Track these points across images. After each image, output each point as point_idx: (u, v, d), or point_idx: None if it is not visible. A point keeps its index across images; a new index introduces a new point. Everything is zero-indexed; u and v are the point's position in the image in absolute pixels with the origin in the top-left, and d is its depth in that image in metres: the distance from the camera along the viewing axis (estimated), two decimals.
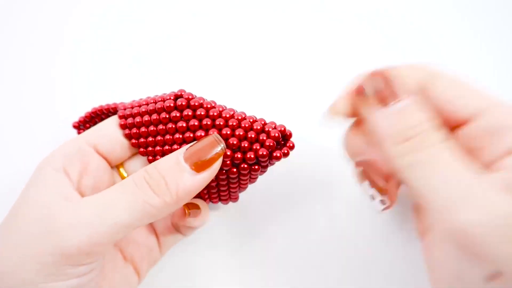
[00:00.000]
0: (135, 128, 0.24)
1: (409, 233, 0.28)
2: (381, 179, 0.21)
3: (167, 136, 0.24)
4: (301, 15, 0.38)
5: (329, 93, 0.33)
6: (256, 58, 0.35)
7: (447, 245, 0.18)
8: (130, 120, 0.25)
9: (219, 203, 0.28)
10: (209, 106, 0.23)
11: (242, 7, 0.37)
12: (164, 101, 0.24)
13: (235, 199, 0.27)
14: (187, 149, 0.21)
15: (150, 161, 0.24)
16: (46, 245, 0.19)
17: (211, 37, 0.36)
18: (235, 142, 0.22)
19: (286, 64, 0.35)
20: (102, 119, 0.28)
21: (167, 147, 0.24)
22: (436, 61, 0.35)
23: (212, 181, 0.24)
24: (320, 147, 0.31)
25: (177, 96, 0.24)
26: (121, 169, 0.26)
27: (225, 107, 0.24)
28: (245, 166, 0.23)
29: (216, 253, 0.29)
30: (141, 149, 0.25)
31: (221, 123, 0.23)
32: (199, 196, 0.26)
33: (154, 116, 0.24)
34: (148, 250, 0.26)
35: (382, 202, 0.21)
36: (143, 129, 0.24)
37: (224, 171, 0.23)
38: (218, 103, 0.24)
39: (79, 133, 0.29)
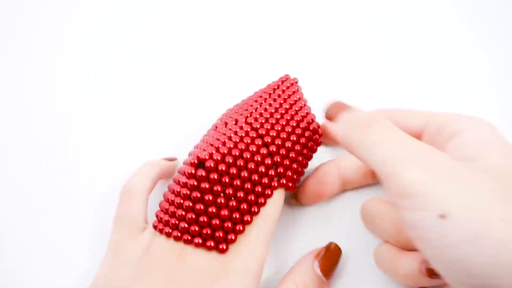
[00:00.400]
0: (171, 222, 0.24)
1: None
2: None
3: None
4: (301, 15, 0.38)
5: (328, 94, 0.34)
6: (256, 58, 0.35)
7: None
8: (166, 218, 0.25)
9: None
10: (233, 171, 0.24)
11: (242, 7, 0.37)
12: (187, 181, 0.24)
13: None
14: (322, 261, 0.25)
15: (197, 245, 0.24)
16: None
17: (211, 37, 0.36)
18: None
19: (286, 64, 0.35)
20: None
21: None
22: (436, 61, 0.35)
23: None
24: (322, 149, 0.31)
25: (196, 166, 0.24)
26: None
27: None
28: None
29: None
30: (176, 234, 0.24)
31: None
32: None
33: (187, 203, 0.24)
34: None
35: None
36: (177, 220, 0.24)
37: None
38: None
39: None
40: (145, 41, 0.36)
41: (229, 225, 0.23)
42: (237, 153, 0.24)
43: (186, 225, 0.23)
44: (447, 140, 0.22)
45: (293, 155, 0.26)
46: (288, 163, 0.25)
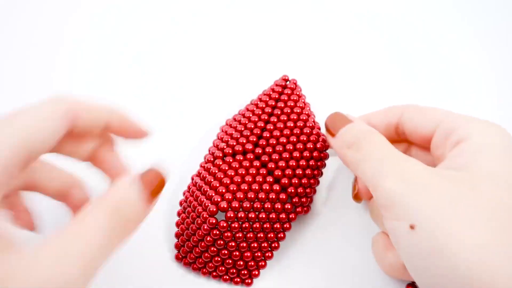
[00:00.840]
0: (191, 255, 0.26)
1: None
2: None
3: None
4: (301, 15, 0.38)
5: (328, 94, 0.34)
6: (256, 58, 0.35)
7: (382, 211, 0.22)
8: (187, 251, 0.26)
9: None
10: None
11: (242, 6, 0.37)
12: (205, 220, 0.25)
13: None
14: (142, 178, 0.20)
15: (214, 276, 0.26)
16: None
17: (211, 36, 0.36)
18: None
19: (287, 64, 0.35)
20: None
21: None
22: (436, 61, 0.35)
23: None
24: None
25: (212, 214, 0.25)
26: None
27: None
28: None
29: None
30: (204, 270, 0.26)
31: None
32: None
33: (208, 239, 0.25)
34: None
35: None
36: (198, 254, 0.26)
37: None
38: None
39: None
40: (145, 41, 0.36)
41: (252, 263, 0.25)
42: (252, 196, 0.25)
43: (213, 265, 0.26)
44: (452, 146, 0.22)
45: (305, 181, 0.26)
46: (301, 190, 0.26)
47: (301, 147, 0.26)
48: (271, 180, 0.26)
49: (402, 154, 0.22)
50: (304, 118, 0.27)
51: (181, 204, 0.27)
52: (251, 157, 0.26)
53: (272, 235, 0.25)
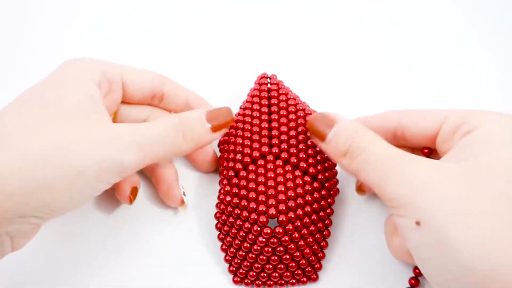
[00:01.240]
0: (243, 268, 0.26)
1: None
2: None
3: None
4: (300, 14, 0.38)
5: (326, 94, 0.33)
6: (256, 57, 0.36)
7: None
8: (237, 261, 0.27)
9: None
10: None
11: (243, 6, 0.38)
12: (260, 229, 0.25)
13: None
14: (209, 112, 0.25)
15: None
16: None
17: (212, 33, 0.37)
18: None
19: (287, 63, 0.35)
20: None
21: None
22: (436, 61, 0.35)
23: None
24: None
25: (263, 225, 0.25)
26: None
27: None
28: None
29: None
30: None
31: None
32: None
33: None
34: None
35: None
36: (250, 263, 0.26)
37: None
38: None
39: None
40: (145, 37, 0.36)
41: (313, 258, 0.26)
42: (292, 194, 0.25)
43: (277, 274, 0.26)
44: (461, 137, 0.23)
45: (328, 164, 0.27)
46: (328, 174, 0.27)
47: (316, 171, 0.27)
48: (299, 174, 0.26)
49: (399, 150, 0.22)
50: (301, 107, 0.28)
51: (216, 218, 0.28)
52: (271, 158, 0.27)
53: (320, 225, 0.26)
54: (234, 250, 0.26)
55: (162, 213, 0.29)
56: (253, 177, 0.26)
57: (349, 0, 0.38)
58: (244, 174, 0.26)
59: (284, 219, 0.25)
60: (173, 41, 0.36)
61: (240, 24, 0.37)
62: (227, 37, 0.36)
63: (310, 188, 0.26)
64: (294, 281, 0.26)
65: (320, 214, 0.26)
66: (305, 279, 0.26)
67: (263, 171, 0.26)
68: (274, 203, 0.25)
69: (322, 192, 0.26)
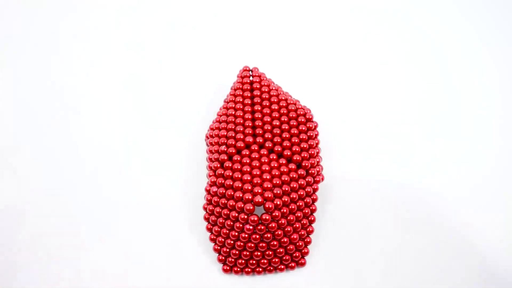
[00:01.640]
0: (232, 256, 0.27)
1: None
2: None
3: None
4: (282, 7, 0.38)
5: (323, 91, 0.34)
6: (238, 50, 0.36)
7: None
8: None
9: None
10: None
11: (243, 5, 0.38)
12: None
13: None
14: None
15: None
16: None
17: (195, 28, 0.37)
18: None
19: (269, 56, 0.36)
20: None
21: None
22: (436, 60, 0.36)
23: None
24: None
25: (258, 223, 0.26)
26: None
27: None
28: None
29: None
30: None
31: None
32: None
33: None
34: None
35: None
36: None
37: None
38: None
39: None
40: (146, 35, 0.37)
41: (301, 243, 0.27)
42: (278, 182, 0.26)
43: (266, 261, 0.27)
44: None
45: (313, 152, 0.27)
46: (313, 161, 0.27)
47: (295, 123, 0.27)
48: (284, 162, 0.26)
49: None
50: (284, 98, 0.28)
51: (204, 208, 0.28)
52: (256, 148, 0.27)
53: (306, 211, 0.27)
54: (222, 239, 0.27)
55: (149, 205, 0.29)
56: (239, 167, 0.26)
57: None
58: (230, 165, 0.26)
59: (271, 206, 0.25)
60: (157, 37, 0.37)
61: (222, 18, 0.38)
62: (209, 31, 0.37)
63: (295, 175, 0.26)
64: (282, 266, 0.27)
65: (306, 200, 0.26)
66: (293, 264, 0.27)
67: (248, 161, 0.26)
68: (260, 191, 0.25)
69: (307, 179, 0.26)
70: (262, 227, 0.25)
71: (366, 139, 0.32)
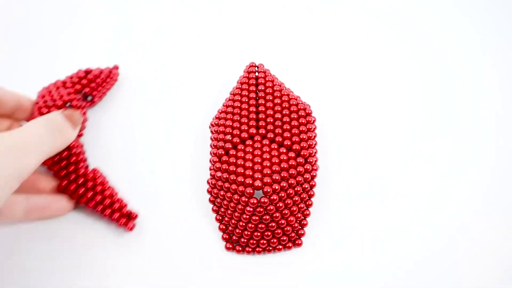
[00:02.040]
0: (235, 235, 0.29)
1: None
2: None
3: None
4: (287, 6, 0.40)
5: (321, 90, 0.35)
6: (245, 47, 0.38)
7: None
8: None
9: None
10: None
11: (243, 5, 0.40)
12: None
13: None
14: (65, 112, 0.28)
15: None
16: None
17: (205, 27, 0.39)
18: None
19: (274, 53, 0.38)
20: None
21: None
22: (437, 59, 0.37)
23: None
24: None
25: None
26: None
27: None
28: None
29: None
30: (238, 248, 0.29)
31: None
32: None
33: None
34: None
35: None
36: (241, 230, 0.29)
37: None
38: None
39: None
40: (147, 34, 0.39)
41: (297, 224, 0.29)
42: (277, 168, 0.28)
43: (265, 241, 0.29)
44: None
45: (311, 142, 0.29)
46: (311, 151, 0.29)
47: (296, 116, 0.30)
48: (284, 150, 0.29)
49: None
50: (286, 93, 0.31)
51: (209, 192, 0.30)
52: (259, 138, 0.29)
53: (304, 195, 0.29)
54: (228, 219, 0.29)
55: (160, 189, 0.32)
56: (242, 155, 0.28)
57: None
58: (234, 153, 0.29)
59: (269, 190, 0.27)
60: (167, 34, 0.39)
61: (231, 17, 0.40)
62: (219, 29, 0.39)
63: (294, 163, 0.28)
64: (280, 247, 0.29)
65: (304, 186, 0.29)
66: (290, 244, 0.29)
67: (251, 150, 0.29)
68: (260, 176, 0.27)
69: (306, 166, 0.28)
70: (261, 210, 0.28)
71: (365, 136, 0.33)
